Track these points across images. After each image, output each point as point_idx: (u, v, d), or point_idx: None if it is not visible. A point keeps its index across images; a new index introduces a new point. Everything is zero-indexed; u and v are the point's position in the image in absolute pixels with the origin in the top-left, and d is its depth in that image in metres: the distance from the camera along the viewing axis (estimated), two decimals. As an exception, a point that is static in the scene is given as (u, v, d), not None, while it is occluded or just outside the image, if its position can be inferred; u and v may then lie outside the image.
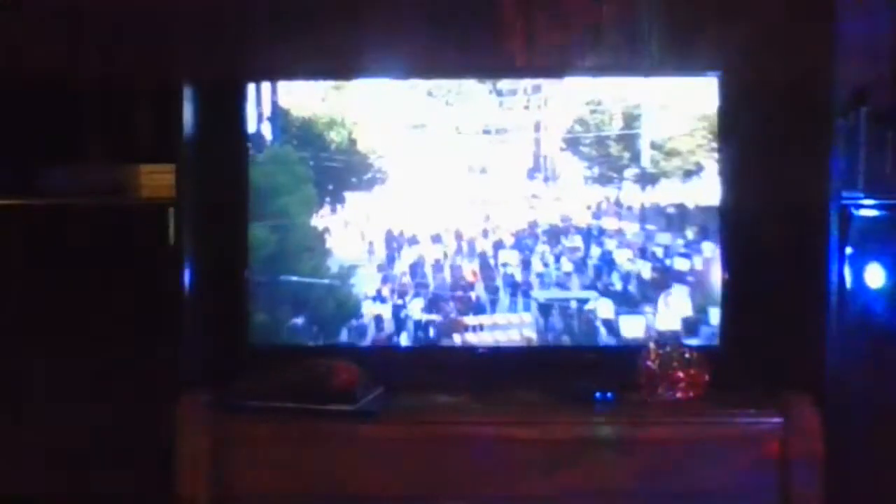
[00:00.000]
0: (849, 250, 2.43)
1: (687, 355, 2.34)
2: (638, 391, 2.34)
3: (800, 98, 2.44)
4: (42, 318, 2.58)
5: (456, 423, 2.27)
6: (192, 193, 2.44)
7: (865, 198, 2.47)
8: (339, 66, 2.52)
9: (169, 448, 2.25)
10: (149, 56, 2.53)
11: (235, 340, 2.49)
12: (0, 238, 2.58)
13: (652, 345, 2.36)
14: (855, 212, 2.44)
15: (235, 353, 2.49)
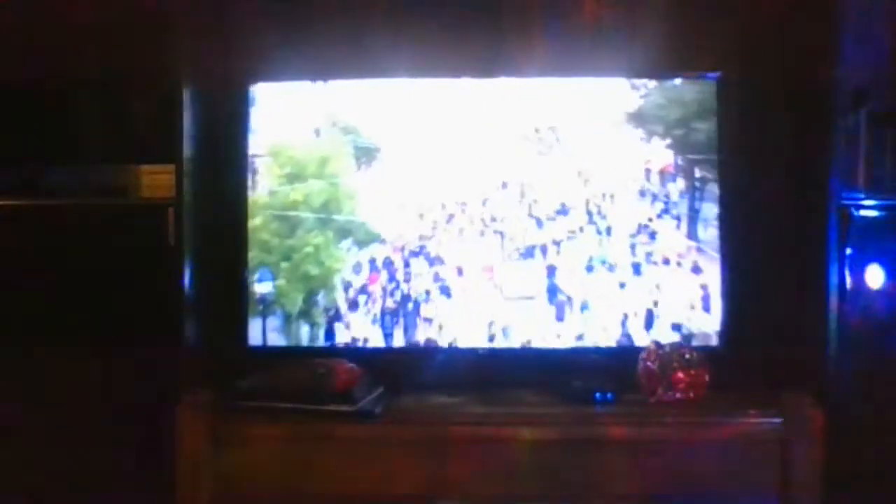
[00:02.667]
0: (849, 250, 2.43)
1: (687, 355, 2.34)
2: (638, 391, 2.34)
3: (800, 98, 2.44)
4: (41, 319, 2.57)
5: (456, 423, 2.27)
6: (192, 193, 2.44)
7: (865, 198, 2.47)
8: (340, 66, 2.54)
9: (169, 448, 2.25)
10: (149, 56, 2.53)
11: (235, 340, 2.50)
12: (0, 238, 2.57)
13: (652, 345, 2.37)
14: (855, 212, 2.44)
15: (235, 353, 2.49)
